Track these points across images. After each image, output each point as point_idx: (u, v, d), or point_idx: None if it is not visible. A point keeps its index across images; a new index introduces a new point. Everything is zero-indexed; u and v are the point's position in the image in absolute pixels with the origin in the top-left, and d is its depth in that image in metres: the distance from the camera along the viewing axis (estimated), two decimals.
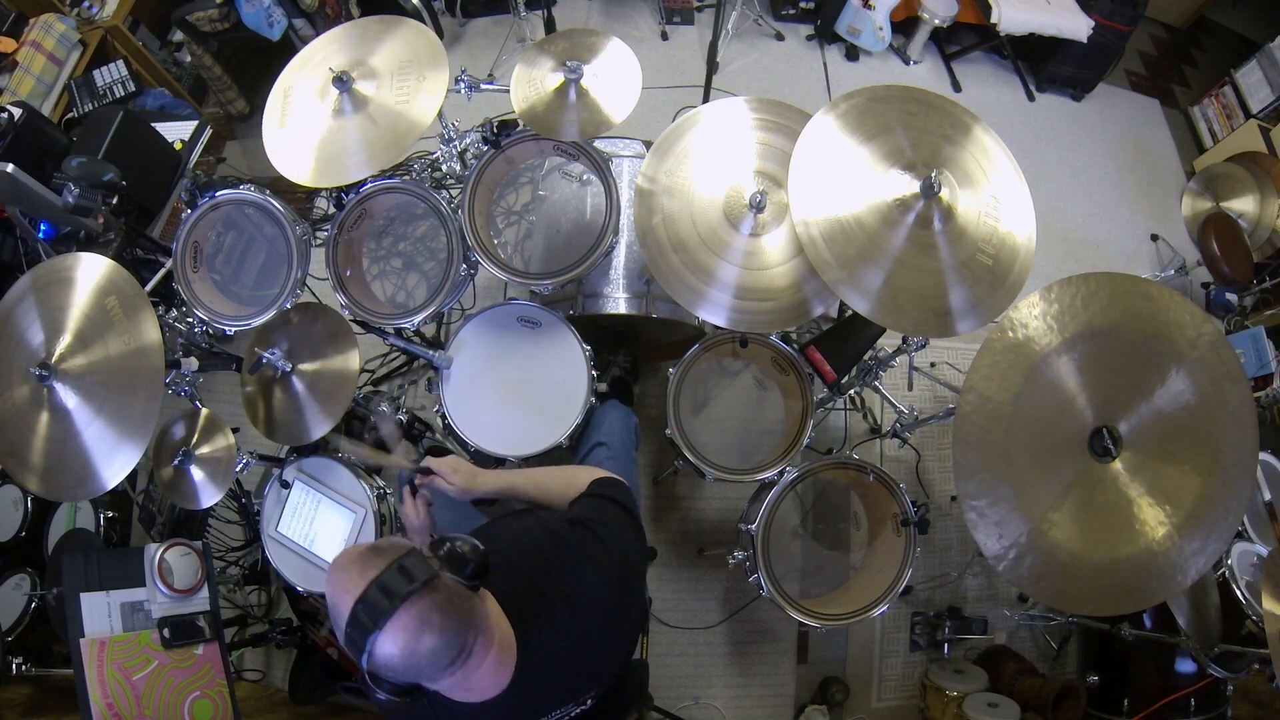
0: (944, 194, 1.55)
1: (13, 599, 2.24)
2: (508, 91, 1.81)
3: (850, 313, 1.84)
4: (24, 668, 2.05)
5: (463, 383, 1.91)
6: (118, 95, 2.81)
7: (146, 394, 1.54)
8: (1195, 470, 1.51)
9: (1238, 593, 1.95)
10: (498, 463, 1.88)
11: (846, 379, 2.05)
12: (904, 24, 3.49)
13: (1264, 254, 3.02)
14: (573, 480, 1.35)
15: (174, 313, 1.89)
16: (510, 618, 1.04)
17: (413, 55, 1.80)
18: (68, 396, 1.57)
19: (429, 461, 1.40)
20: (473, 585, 0.97)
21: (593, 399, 1.88)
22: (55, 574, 2.08)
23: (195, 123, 2.70)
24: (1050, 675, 2.43)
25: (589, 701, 1.20)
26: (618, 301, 2.04)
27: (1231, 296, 2.99)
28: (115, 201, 2.05)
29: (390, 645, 0.88)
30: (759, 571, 1.85)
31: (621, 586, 1.17)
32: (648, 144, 2.08)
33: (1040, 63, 3.55)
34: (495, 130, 1.89)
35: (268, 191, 1.88)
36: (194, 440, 1.78)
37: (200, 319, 1.87)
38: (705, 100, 3.12)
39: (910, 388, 2.45)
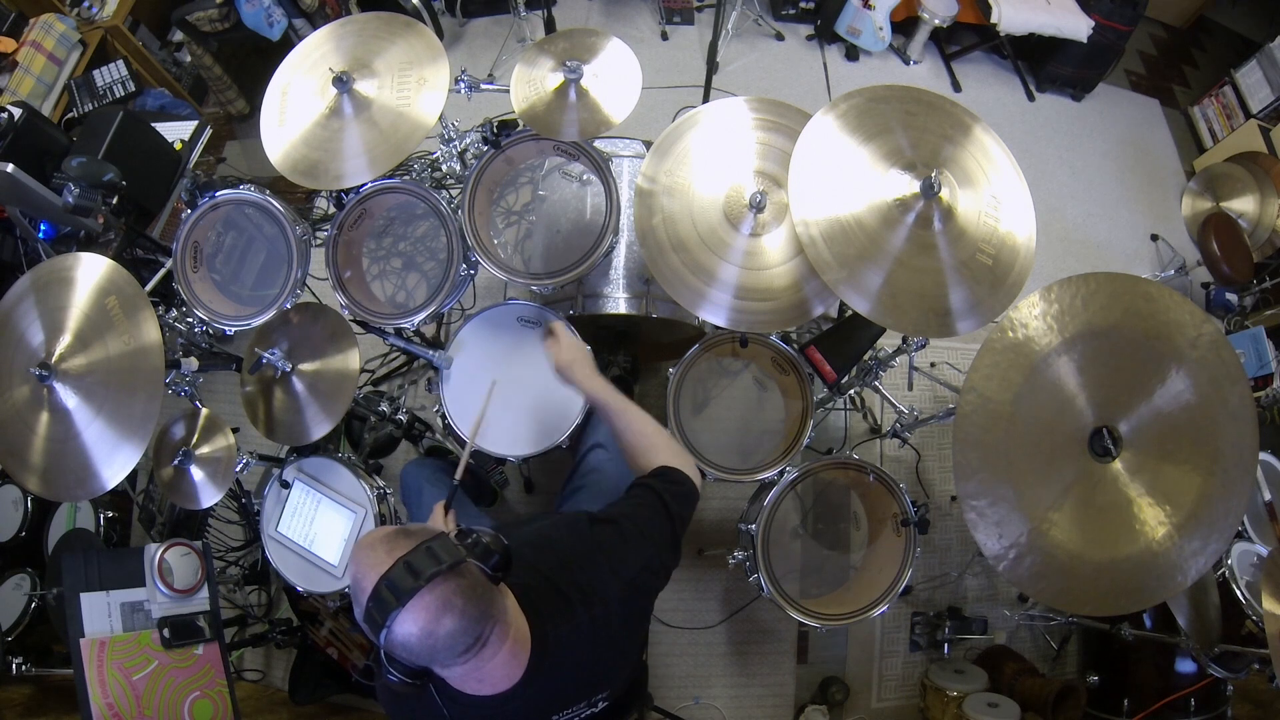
0: (944, 194, 1.55)
1: (13, 599, 2.24)
2: (508, 91, 1.81)
3: (850, 313, 1.85)
4: (24, 668, 2.05)
5: (463, 383, 1.91)
6: (118, 95, 2.81)
7: (146, 394, 1.53)
8: (1195, 470, 1.51)
9: (1238, 593, 1.95)
10: (498, 463, 1.88)
11: (846, 379, 2.05)
12: (904, 24, 3.49)
13: (1264, 254, 3.02)
14: (651, 447, 1.34)
15: (174, 313, 1.89)
16: (526, 614, 1.05)
17: (412, 56, 1.79)
18: (68, 396, 1.57)
19: (558, 327, 1.42)
20: (495, 577, 0.98)
21: None
22: (55, 574, 2.08)
23: (195, 123, 2.70)
24: (1050, 675, 2.43)
25: (600, 704, 1.20)
26: (618, 301, 2.04)
27: (1231, 296, 2.99)
28: (115, 201, 2.06)
29: (410, 624, 0.89)
30: (759, 571, 1.85)
31: (633, 589, 1.17)
32: (648, 144, 2.08)
33: (1040, 63, 3.55)
34: (495, 130, 1.89)
35: (268, 191, 1.88)
36: (194, 440, 1.78)
37: (200, 319, 1.87)
38: (705, 100, 3.13)
39: (910, 388, 2.45)
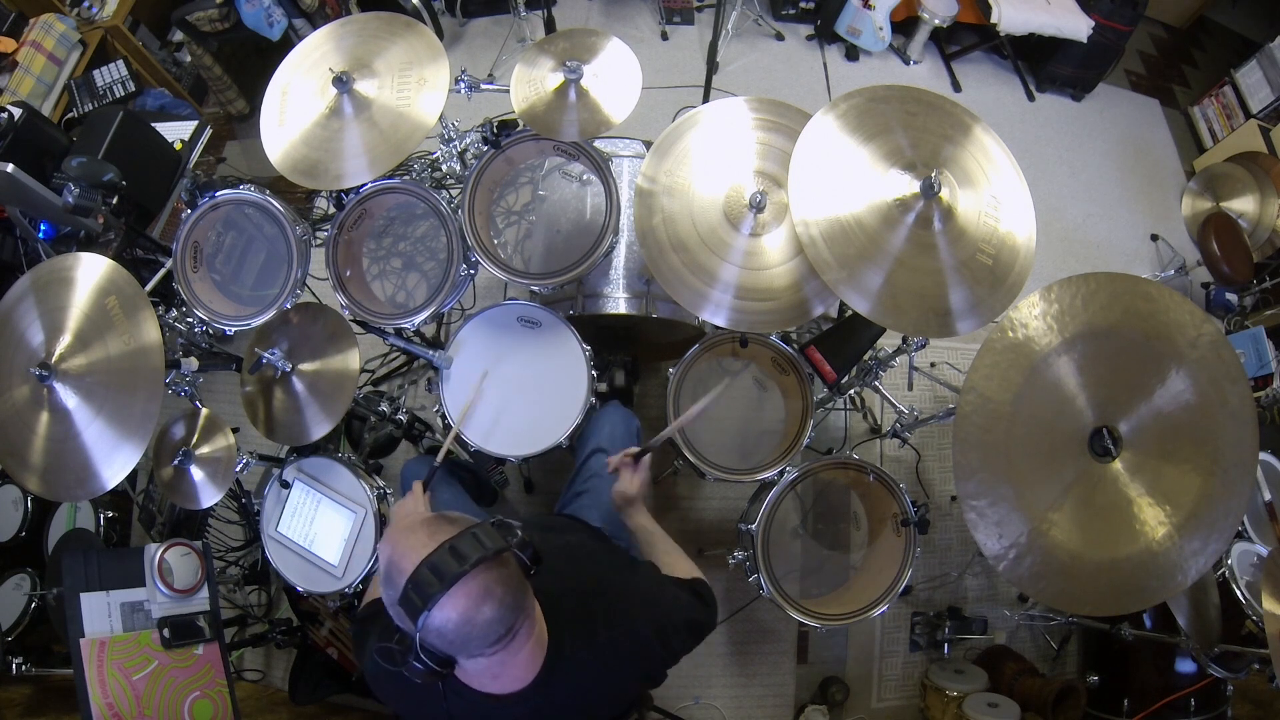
0: (944, 194, 1.55)
1: (13, 599, 2.24)
2: (508, 91, 1.81)
3: (850, 313, 1.85)
4: (24, 668, 2.05)
5: (463, 383, 1.91)
6: (118, 95, 2.81)
7: (146, 394, 1.53)
8: (1195, 470, 1.51)
9: (1238, 593, 1.95)
10: (498, 463, 1.88)
11: (846, 379, 2.05)
12: (904, 24, 3.49)
13: (1264, 254, 3.02)
14: (674, 567, 1.40)
15: (174, 313, 1.89)
16: (546, 619, 1.06)
17: (412, 56, 1.79)
18: (68, 396, 1.57)
19: (646, 461, 1.52)
20: (529, 570, 0.99)
21: (593, 399, 1.88)
22: (55, 574, 2.08)
23: (195, 123, 2.70)
24: (1050, 675, 2.43)
25: None
26: (618, 301, 2.04)
27: (1231, 296, 2.99)
28: (115, 201, 2.05)
29: (451, 610, 0.89)
30: (759, 571, 1.85)
31: (658, 631, 1.17)
32: (648, 144, 2.08)
33: (1040, 63, 3.55)
34: (495, 130, 1.89)
35: (268, 191, 1.88)
36: (194, 440, 1.78)
37: (200, 319, 1.87)
38: (705, 100, 3.12)
39: (910, 388, 2.45)
